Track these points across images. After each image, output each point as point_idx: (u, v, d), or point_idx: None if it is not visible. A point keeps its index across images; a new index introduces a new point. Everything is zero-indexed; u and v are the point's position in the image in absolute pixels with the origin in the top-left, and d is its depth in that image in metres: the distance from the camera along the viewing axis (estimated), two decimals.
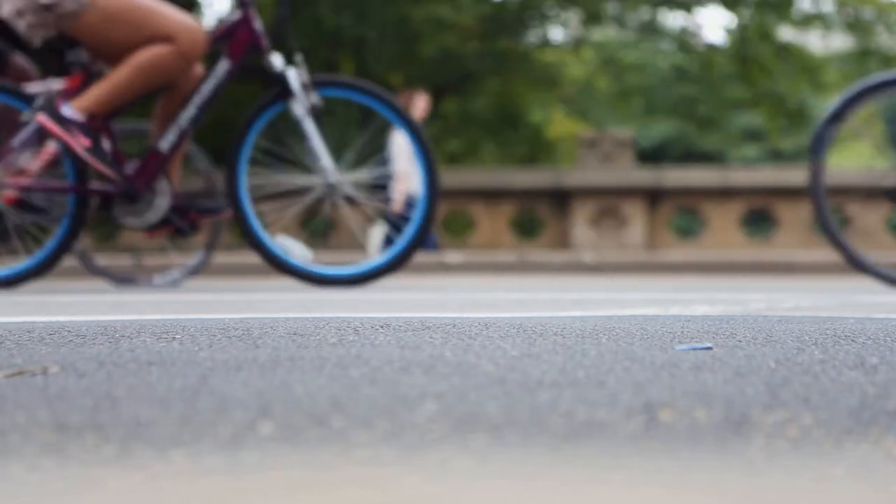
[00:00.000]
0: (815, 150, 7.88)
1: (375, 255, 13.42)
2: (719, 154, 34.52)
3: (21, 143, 7.84)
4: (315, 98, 8.19)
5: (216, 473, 1.86)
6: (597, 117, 27.51)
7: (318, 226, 16.56)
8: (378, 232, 14.44)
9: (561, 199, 15.62)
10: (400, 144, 13.63)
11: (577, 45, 25.03)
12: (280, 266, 8.36)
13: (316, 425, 2.14)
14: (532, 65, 23.65)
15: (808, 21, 22.17)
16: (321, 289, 8.26)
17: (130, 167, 7.97)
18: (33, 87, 8.17)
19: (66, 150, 7.65)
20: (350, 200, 8.78)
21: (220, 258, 13.34)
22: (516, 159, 25.17)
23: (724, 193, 15.50)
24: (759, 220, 18.25)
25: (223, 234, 14.60)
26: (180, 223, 8.00)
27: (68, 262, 12.02)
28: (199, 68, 8.23)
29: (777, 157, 36.96)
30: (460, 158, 25.56)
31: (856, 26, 22.11)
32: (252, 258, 13.57)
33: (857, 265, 8.04)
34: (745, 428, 2.14)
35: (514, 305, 6.35)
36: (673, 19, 24.15)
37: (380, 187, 13.60)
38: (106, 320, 4.43)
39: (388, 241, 13.20)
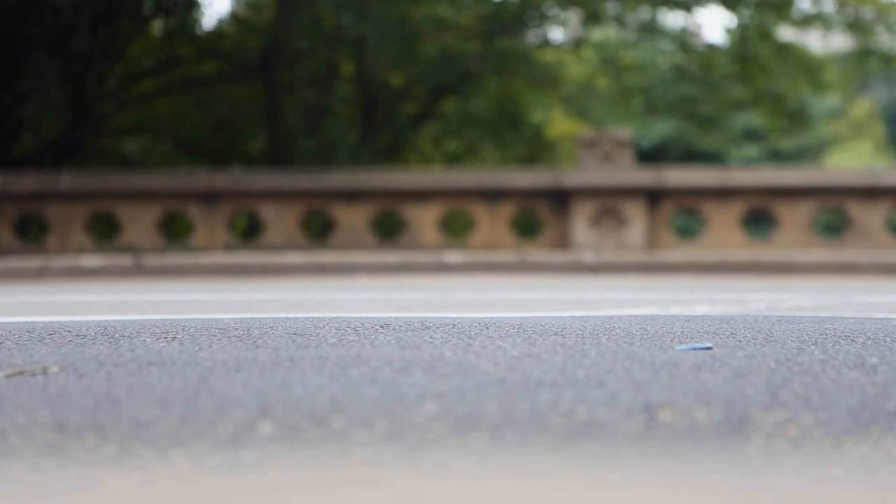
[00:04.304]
0: None
1: None
2: (719, 154, 34.51)
3: None
4: None
5: (216, 473, 1.86)
6: (597, 117, 27.47)
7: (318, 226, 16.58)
8: None
9: (561, 199, 15.61)
10: None
11: (576, 44, 24.98)
12: None
13: (316, 425, 2.14)
14: (532, 65, 23.61)
15: (808, 21, 22.13)
16: None
17: None
18: None
19: None
20: None
21: (220, 258, 13.34)
22: (516, 159, 25.14)
23: (724, 193, 15.49)
24: (758, 220, 18.23)
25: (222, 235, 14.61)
26: None
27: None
28: None
29: (777, 157, 36.96)
30: (460, 158, 25.54)
31: (856, 26, 22.06)
32: (252, 258, 13.55)
33: None
34: (745, 428, 2.13)
35: (514, 305, 6.35)
36: (673, 19, 24.13)
37: None
38: (106, 320, 4.43)
39: None
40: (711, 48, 24.13)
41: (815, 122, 33.97)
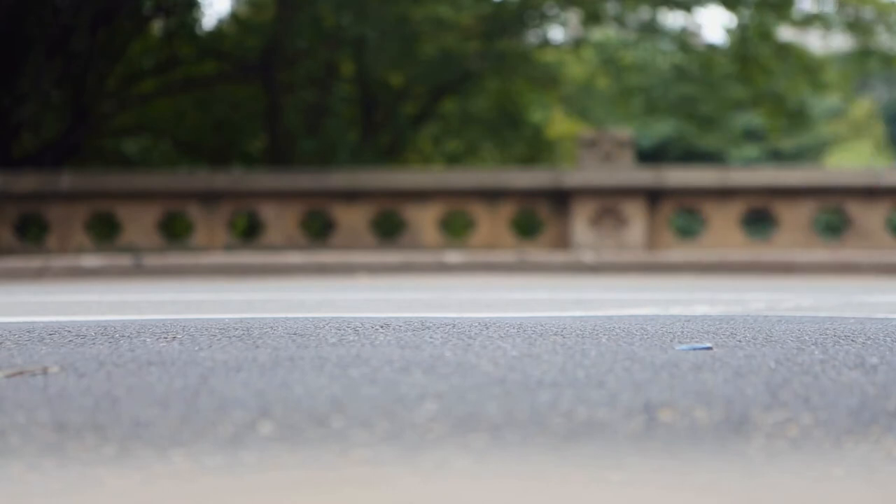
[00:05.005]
0: None
1: None
2: (719, 154, 34.51)
3: None
4: None
5: (216, 473, 1.86)
6: (597, 117, 27.46)
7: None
8: None
9: (561, 199, 15.61)
10: None
11: (576, 44, 24.98)
12: None
13: (316, 425, 2.14)
14: (532, 65, 23.60)
15: (808, 21, 22.13)
16: None
17: None
18: None
19: None
20: None
21: (220, 258, 13.34)
22: (516, 159, 25.13)
23: (724, 193, 15.49)
24: (758, 220, 18.22)
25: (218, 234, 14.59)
26: None
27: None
28: None
29: (777, 157, 36.95)
30: (460, 158, 25.53)
31: (856, 26, 22.06)
32: (252, 258, 13.55)
33: None
34: (745, 428, 2.14)
35: (514, 305, 6.35)
36: (673, 19, 24.12)
37: None
38: (106, 320, 4.44)
39: None
40: (711, 48, 24.12)
41: (815, 122, 33.95)
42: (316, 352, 3.01)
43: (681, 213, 16.97)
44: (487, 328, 3.54)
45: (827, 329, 3.57)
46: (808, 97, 28.11)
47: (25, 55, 17.13)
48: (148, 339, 3.32)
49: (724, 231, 15.64)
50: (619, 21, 22.98)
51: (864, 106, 41.93)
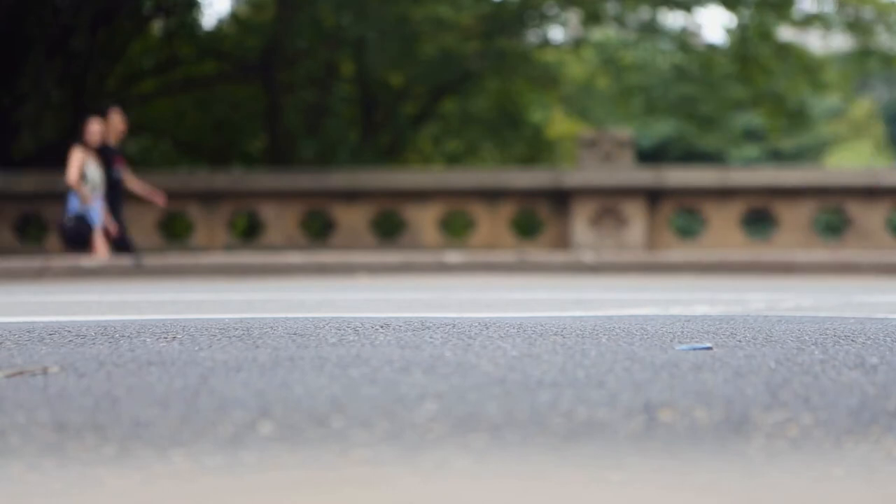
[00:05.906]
0: None
1: None
2: (719, 154, 34.50)
3: None
4: None
5: (216, 473, 1.86)
6: (597, 117, 27.46)
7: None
8: None
9: (561, 199, 15.61)
10: None
11: (576, 44, 24.97)
12: None
13: (316, 425, 2.14)
14: (532, 64, 23.60)
15: (808, 21, 22.12)
16: None
17: None
18: None
19: None
20: None
21: (220, 258, 13.34)
22: (516, 159, 25.13)
23: (724, 193, 15.50)
24: (758, 220, 18.23)
25: (222, 235, 14.58)
26: None
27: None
28: None
29: (777, 157, 36.94)
30: (460, 158, 25.54)
31: (856, 26, 22.05)
32: (252, 258, 13.55)
33: None
34: (745, 428, 2.14)
35: (514, 305, 6.35)
36: (673, 19, 24.11)
37: None
38: (106, 320, 4.44)
39: None
40: (711, 48, 24.11)
41: (815, 122, 33.94)
42: (316, 352, 3.02)
43: (681, 213, 16.97)
44: (487, 328, 3.55)
45: (827, 329, 3.57)
46: (808, 97, 28.11)
47: (25, 55, 17.12)
48: (148, 339, 3.32)
49: (724, 231, 15.64)
50: (619, 21, 22.97)
51: (864, 106, 41.94)
